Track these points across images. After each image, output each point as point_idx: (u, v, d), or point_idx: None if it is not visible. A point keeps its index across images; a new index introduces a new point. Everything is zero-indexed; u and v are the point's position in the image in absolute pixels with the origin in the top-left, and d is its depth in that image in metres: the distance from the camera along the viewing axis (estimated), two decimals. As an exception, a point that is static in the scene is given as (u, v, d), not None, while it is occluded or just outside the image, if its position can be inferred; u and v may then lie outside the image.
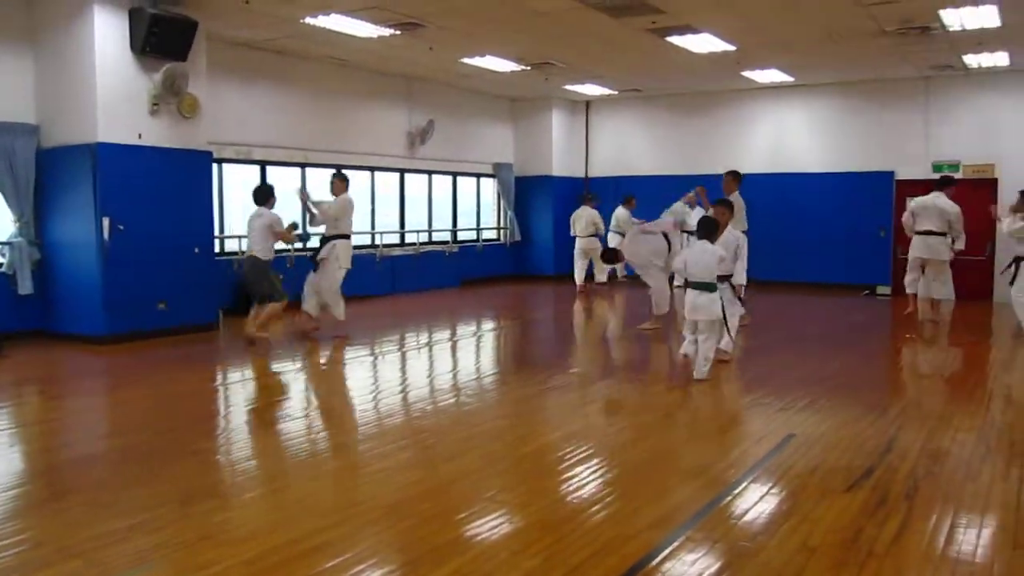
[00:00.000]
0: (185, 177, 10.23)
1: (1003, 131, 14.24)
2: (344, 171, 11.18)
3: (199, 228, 10.50)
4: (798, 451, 5.32)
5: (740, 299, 8.23)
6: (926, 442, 5.51)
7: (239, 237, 12.32)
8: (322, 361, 8.99)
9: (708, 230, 7.56)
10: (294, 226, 10.08)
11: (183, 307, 10.19)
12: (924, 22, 10.63)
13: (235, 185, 12.48)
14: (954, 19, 10.46)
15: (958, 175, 14.44)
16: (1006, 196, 13.42)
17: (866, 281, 14.98)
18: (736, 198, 10.61)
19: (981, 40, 11.67)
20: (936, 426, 5.96)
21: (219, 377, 8.35)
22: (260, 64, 12.43)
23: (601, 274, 15.39)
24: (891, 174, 15.08)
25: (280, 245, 10.28)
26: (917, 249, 11.42)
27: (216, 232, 11.56)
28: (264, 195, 9.90)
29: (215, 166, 11.49)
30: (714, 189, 15.29)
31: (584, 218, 15.20)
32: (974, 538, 3.96)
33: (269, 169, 12.82)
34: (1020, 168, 13.72)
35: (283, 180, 13.12)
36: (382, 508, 4.32)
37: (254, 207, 9.86)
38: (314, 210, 10.51)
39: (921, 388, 7.55)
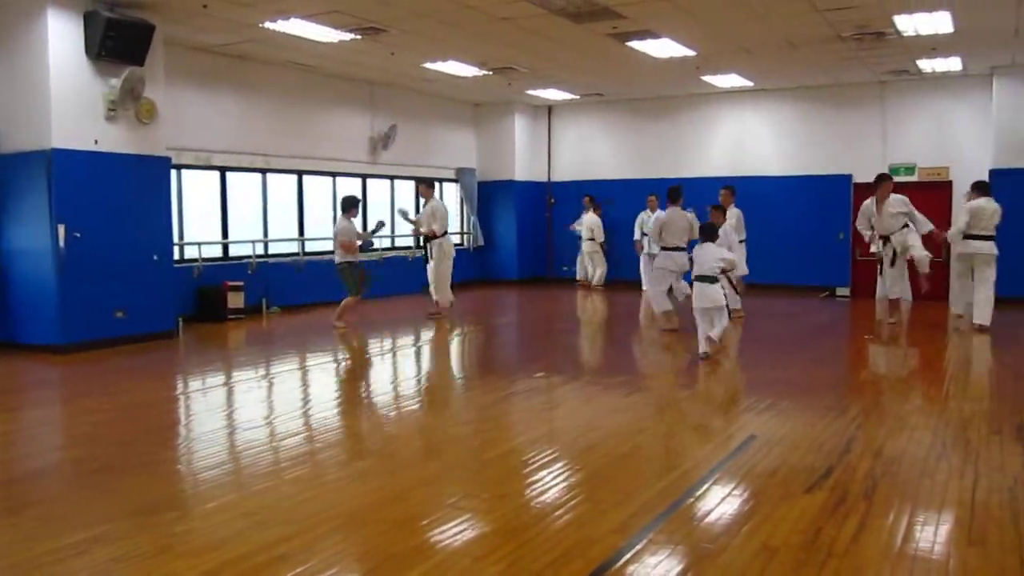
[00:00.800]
0: (143, 183, 10.10)
1: (956, 134, 14.53)
2: (430, 180, 13.25)
3: (158, 235, 10.37)
4: (760, 452, 5.36)
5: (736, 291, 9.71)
6: (884, 442, 5.59)
7: (199, 244, 12.20)
8: (287, 368, 8.91)
9: (710, 234, 8.98)
10: (381, 224, 11.97)
11: (142, 315, 10.06)
12: (879, 28, 10.81)
13: (195, 191, 12.36)
14: (908, 25, 10.65)
15: (914, 178, 14.74)
16: (960, 198, 13.68)
17: (826, 283, 15.17)
18: (734, 211, 12.21)
19: (934, 45, 11.89)
20: (894, 426, 6.05)
21: (179, 386, 8.25)
22: (220, 69, 12.31)
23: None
24: (849, 177, 15.30)
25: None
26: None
27: (176, 239, 11.43)
28: (346, 205, 11.37)
29: (174, 172, 11.36)
30: (662, 192, 15.36)
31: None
32: (931, 535, 4.02)
33: (230, 175, 12.70)
34: (973, 171, 13.94)
35: (243, 186, 13.05)
36: (343, 516, 4.29)
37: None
38: (413, 222, 12.70)
39: (879, 388, 7.65)
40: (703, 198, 15.60)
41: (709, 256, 8.73)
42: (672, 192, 11.10)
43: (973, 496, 4.52)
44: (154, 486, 4.86)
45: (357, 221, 11.93)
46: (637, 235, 15.70)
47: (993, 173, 13.70)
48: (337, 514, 4.33)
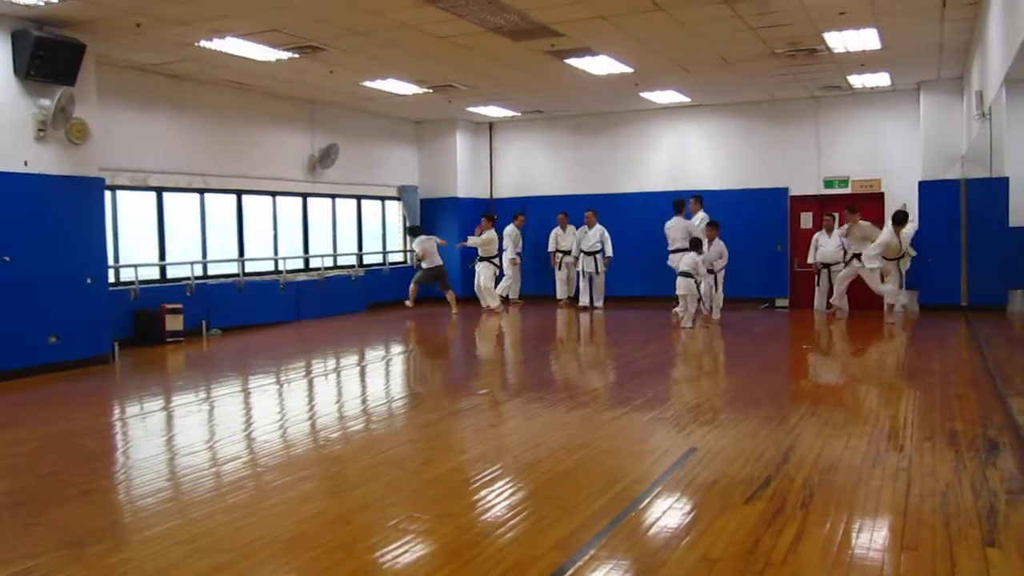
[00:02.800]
0: (75, 205, 9.89)
1: (887, 148, 14.93)
2: (489, 214, 16.33)
3: (92, 257, 10.16)
4: (700, 464, 5.42)
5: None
6: (821, 450, 5.69)
7: (135, 266, 11.97)
8: (228, 391, 8.76)
9: (695, 245, 12.97)
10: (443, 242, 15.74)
11: (76, 340, 9.83)
12: (810, 45, 11.07)
13: (131, 212, 12.13)
14: (838, 42, 10.93)
15: (847, 190, 15.10)
16: (892, 209, 14.05)
17: (765, 295, 15.43)
18: (703, 217, 14.27)
19: (863, 61, 12.22)
20: (831, 434, 6.15)
21: (115, 412, 8.07)
22: (155, 88, 12.12)
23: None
24: (785, 190, 15.61)
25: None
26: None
27: (111, 261, 11.20)
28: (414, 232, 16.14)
29: (108, 193, 11.14)
30: (603, 207, 15.56)
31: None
32: (866, 542, 4.10)
33: (167, 196, 12.49)
34: (903, 183, 14.38)
35: (181, 207, 12.85)
36: (282, 542, 4.22)
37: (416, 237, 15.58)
38: (469, 243, 15.92)
39: (818, 397, 7.78)
40: (644, 212, 15.90)
41: (688, 259, 12.71)
42: (675, 204, 14.44)
43: (906, 502, 4.62)
44: (86, 517, 4.73)
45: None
46: (552, 248, 16.18)
47: (922, 185, 14.10)
48: (277, 539, 4.26)
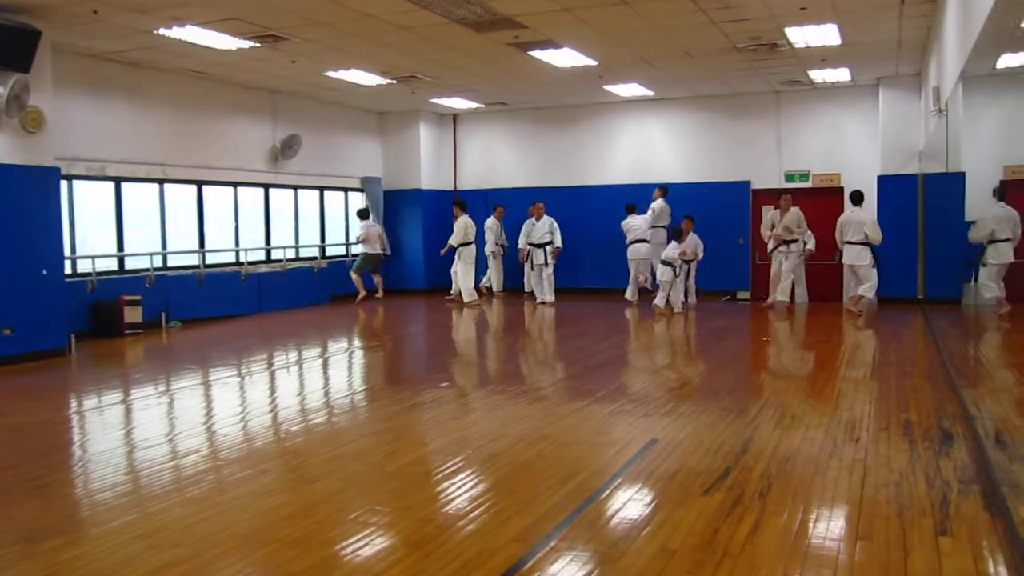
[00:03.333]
0: (30, 195, 9.71)
1: (847, 142, 15.12)
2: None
3: (47, 248, 9.98)
4: (660, 456, 5.46)
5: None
6: (779, 441, 5.76)
7: (93, 257, 11.79)
8: (187, 384, 8.66)
9: (676, 234, 13.85)
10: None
11: (31, 332, 9.68)
12: (772, 39, 11.17)
13: (88, 202, 11.94)
14: (799, 37, 11.03)
15: (808, 184, 15.28)
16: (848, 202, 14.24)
17: (727, 287, 15.56)
18: (661, 204, 14.98)
19: (824, 57, 12.35)
20: (789, 425, 6.23)
21: (71, 405, 7.95)
22: (113, 76, 11.92)
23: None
24: (747, 183, 15.75)
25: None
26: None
27: (68, 252, 11.02)
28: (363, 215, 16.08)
29: (65, 183, 10.95)
30: (566, 200, 15.58)
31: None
32: (823, 532, 4.15)
33: (124, 186, 12.30)
34: (862, 177, 14.57)
35: (140, 197, 12.68)
36: (240, 536, 4.19)
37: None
38: (452, 243, 15.53)
39: (776, 389, 7.87)
40: (607, 205, 15.96)
41: (669, 250, 13.66)
42: (628, 208, 14.97)
43: (862, 492, 4.69)
44: (41, 512, 4.66)
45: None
46: (522, 243, 15.76)
47: (880, 179, 14.30)
48: (235, 533, 4.23)
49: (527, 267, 16.00)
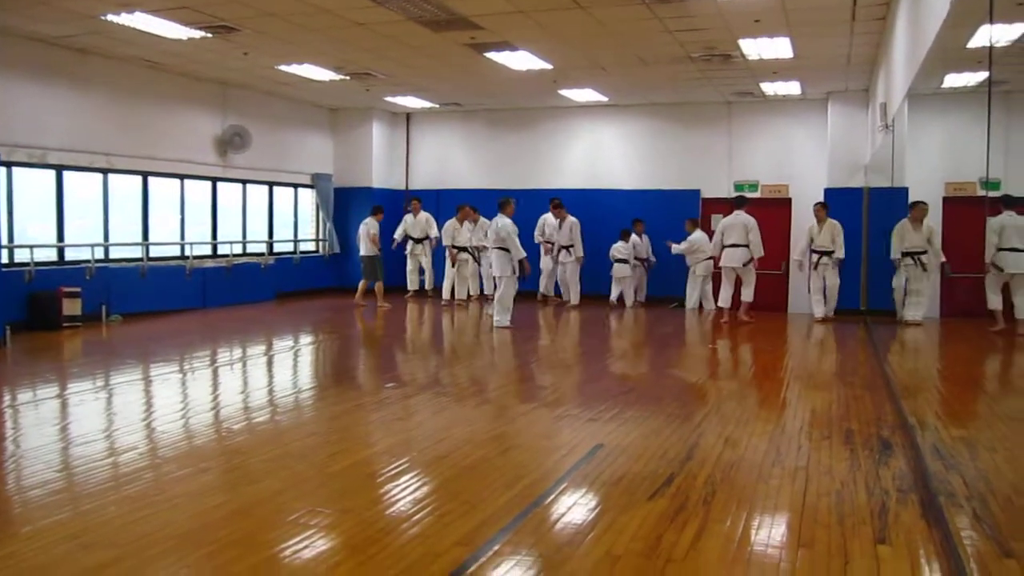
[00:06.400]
0: (-33, 181, 9.41)
1: (795, 154, 15.35)
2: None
3: (-17, 237, 9.68)
4: (605, 461, 5.46)
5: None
6: (724, 449, 5.80)
7: (31, 246, 11.48)
8: (126, 379, 8.46)
9: (624, 234, 14.91)
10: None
11: (-36, 323, 9.36)
12: (725, 50, 11.29)
13: (28, 190, 11.61)
14: (752, 49, 11.16)
15: (756, 195, 15.47)
16: (799, 214, 14.46)
17: (675, 294, 15.67)
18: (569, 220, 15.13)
19: (776, 70, 12.52)
20: (734, 432, 6.28)
21: (4, 399, 7.70)
22: (58, 62, 11.61)
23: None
24: (697, 192, 15.89)
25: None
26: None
27: (4, 241, 10.70)
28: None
29: (3, 170, 10.64)
30: (526, 203, 15.54)
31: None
32: (765, 539, 4.18)
33: (67, 175, 11.99)
34: (810, 189, 14.80)
35: (83, 186, 12.37)
36: (177, 536, 4.08)
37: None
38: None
39: (722, 395, 7.93)
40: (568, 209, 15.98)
41: (624, 249, 14.78)
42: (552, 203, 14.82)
43: (804, 500, 4.74)
44: (-33, 508, 4.50)
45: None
46: (447, 242, 15.50)
47: (827, 192, 14.54)
48: (171, 534, 4.12)
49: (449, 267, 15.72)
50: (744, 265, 13.16)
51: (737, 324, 12.98)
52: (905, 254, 12.64)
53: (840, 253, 13.51)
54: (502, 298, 12.11)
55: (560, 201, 15.37)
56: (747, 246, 13.12)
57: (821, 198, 14.50)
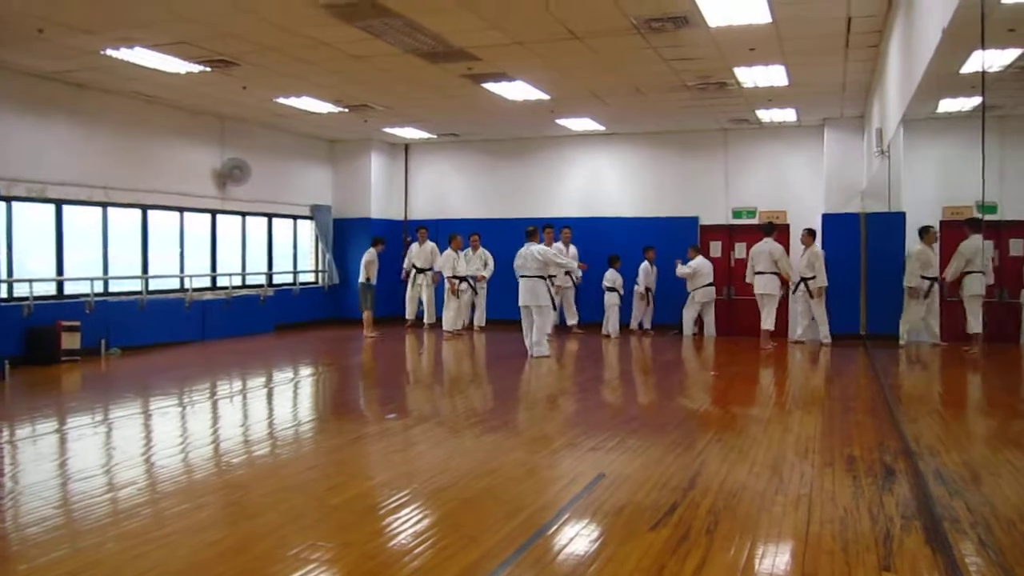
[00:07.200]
0: (-34, 217, 9.43)
1: (792, 180, 15.42)
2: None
3: (-18, 272, 9.68)
4: (607, 491, 5.43)
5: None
6: (726, 477, 5.76)
7: (30, 280, 11.48)
8: (126, 413, 8.43)
9: (611, 261, 15.07)
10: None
11: (-38, 358, 9.34)
12: (721, 79, 11.37)
13: (28, 225, 11.63)
14: (747, 77, 11.25)
15: (755, 221, 15.51)
16: (798, 240, 14.47)
17: (674, 321, 15.65)
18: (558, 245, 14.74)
19: (771, 97, 12.60)
20: (736, 460, 6.25)
21: (3, 434, 7.65)
22: (57, 96, 11.69)
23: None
24: (696, 219, 15.93)
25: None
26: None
27: (3, 275, 10.72)
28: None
29: (3, 204, 10.68)
30: (517, 231, 15.41)
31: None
32: (768, 567, 4.15)
33: (66, 208, 12.03)
34: (807, 215, 14.85)
35: (82, 220, 12.41)
36: (175, 573, 4.04)
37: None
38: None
39: (723, 423, 7.90)
40: (557, 237, 16.01)
41: (609, 274, 15.11)
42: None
43: (807, 528, 4.70)
44: (-35, 546, 4.46)
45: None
46: (448, 272, 15.41)
47: (824, 217, 14.58)
48: (169, 570, 4.09)
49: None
50: (785, 293, 13.58)
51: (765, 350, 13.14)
52: (923, 279, 12.83)
53: (820, 280, 13.54)
54: (544, 326, 12.20)
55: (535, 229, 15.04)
56: (776, 274, 13.38)
57: (819, 223, 14.56)
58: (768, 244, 13.54)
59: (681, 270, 14.78)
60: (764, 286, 13.54)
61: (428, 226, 17.02)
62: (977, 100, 11.75)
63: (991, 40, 6.23)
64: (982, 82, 7.71)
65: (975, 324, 12.49)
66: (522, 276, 12.16)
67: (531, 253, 12.11)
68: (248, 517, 5.01)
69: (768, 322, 13.55)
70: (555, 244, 15.18)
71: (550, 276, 12.59)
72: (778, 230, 14.07)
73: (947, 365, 11.85)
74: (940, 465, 6.12)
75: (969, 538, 4.54)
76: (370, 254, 15.19)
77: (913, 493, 5.38)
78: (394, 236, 17.45)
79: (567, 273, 14.93)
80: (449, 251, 15.48)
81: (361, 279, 15.25)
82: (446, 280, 15.43)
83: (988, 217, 13.46)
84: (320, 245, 17.26)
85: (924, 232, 13.00)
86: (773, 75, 11.12)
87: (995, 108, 12.87)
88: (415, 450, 6.88)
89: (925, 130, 13.72)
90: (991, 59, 8.21)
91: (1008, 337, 13.28)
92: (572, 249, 15.43)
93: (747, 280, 13.96)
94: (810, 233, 13.86)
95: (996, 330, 13.16)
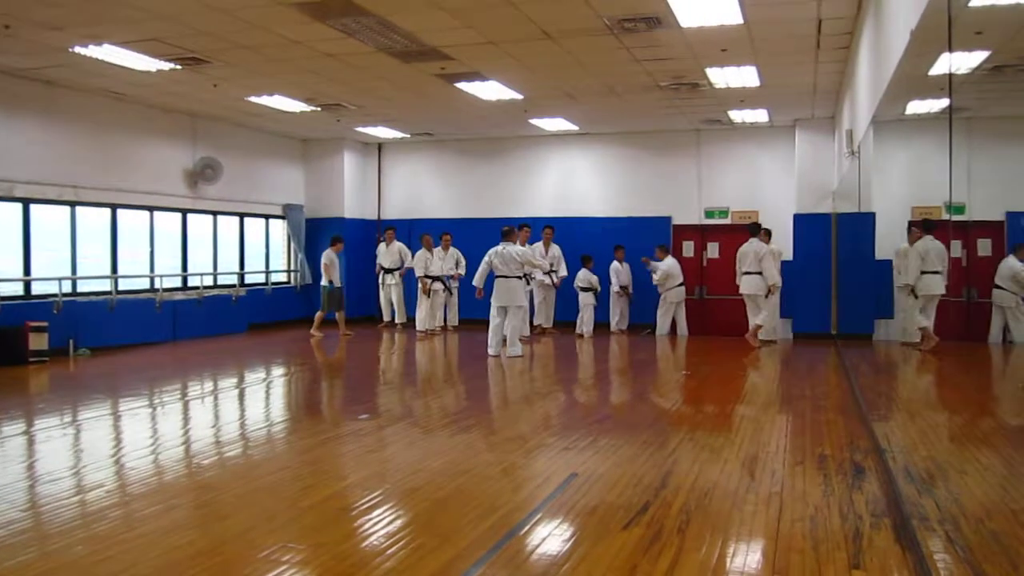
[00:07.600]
0: (-69, 215, 9.28)
1: (764, 181, 15.53)
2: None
3: (-52, 271, 9.54)
4: (580, 490, 5.44)
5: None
6: (698, 476, 5.79)
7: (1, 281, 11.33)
8: (94, 415, 8.33)
9: (584, 261, 15.14)
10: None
11: (-73, 359, 9.20)
12: (693, 79, 11.43)
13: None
14: (719, 78, 11.31)
15: (727, 220, 15.61)
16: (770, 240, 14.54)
17: (648, 321, 15.72)
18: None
19: (743, 98, 12.69)
20: (708, 459, 6.28)
21: (-32, 436, 7.54)
22: (24, 94, 11.54)
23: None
24: (668, 219, 16.01)
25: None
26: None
27: (-31, 275, 10.57)
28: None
29: (-32, 203, 10.52)
30: (492, 231, 15.46)
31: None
32: (740, 566, 4.17)
33: (34, 207, 11.87)
34: (779, 215, 14.96)
35: (50, 219, 12.25)
36: (146, 575, 4.01)
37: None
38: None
39: (695, 422, 7.94)
40: (533, 237, 16.04)
41: (581, 274, 15.18)
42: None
43: (778, 526, 4.73)
44: (-72, 551, 4.39)
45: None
46: (420, 272, 15.49)
47: (796, 217, 14.70)
48: (139, 573, 4.04)
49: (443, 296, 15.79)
50: (767, 295, 13.49)
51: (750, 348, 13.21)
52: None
53: (770, 279, 13.53)
54: (518, 327, 12.23)
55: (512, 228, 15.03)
56: (760, 273, 13.40)
57: (791, 224, 14.68)
58: (754, 244, 13.61)
59: (656, 277, 14.82)
60: (749, 286, 13.59)
61: (402, 226, 17.01)
62: (945, 102, 11.87)
63: (958, 43, 6.30)
64: (949, 84, 7.79)
65: (925, 320, 12.62)
66: (499, 276, 12.15)
67: (509, 254, 12.10)
68: (219, 519, 4.97)
69: (758, 319, 13.59)
70: (536, 245, 15.23)
71: (526, 275, 12.59)
72: (763, 231, 14.00)
73: (918, 364, 11.98)
74: (909, 463, 6.18)
75: (938, 535, 4.59)
76: (327, 256, 14.93)
77: (883, 491, 5.43)
78: (367, 236, 17.38)
79: (547, 273, 14.98)
80: (422, 251, 15.47)
81: (323, 282, 14.96)
82: (418, 280, 15.40)
83: (956, 218, 13.63)
84: (292, 245, 17.16)
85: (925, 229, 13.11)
86: (745, 76, 11.20)
87: (962, 110, 13.02)
88: (388, 450, 6.86)
89: (894, 131, 13.86)
90: (959, 61, 8.31)
91: (977, 336, 13.45)
92: (555, 249, 15.47)
93: (736, 281, 13.95)
94: (766, 232, 13.97)
95: (964, 330, 13.33)
